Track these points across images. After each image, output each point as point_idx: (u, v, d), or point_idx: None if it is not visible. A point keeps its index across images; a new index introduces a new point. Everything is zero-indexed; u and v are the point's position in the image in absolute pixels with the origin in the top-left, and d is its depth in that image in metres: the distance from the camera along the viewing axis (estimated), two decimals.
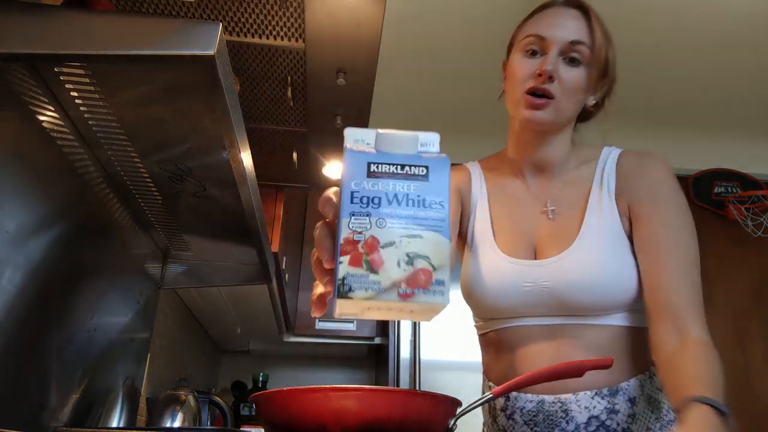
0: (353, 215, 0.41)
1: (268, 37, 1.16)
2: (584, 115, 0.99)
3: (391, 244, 0.40)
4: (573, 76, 0.88)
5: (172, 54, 0.68)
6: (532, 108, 0.87)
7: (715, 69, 3.36)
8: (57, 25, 0.69)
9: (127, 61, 0.68)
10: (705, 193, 3.11)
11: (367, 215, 0.41)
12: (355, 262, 0.40)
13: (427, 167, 0.43)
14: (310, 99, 1.36)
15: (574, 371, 0.77)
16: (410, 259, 0.40)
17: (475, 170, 1.05)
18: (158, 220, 1.34)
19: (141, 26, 0.70)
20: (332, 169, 1.68)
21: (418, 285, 0.40)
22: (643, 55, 3.25)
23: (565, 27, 0.89)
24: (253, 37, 1.16)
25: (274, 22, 1.12)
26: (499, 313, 0.94)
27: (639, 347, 0.89)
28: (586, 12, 0.91)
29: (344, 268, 0.40)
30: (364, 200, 0.41)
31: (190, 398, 1.46)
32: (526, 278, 0.91)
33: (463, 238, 1.04)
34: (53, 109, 0.90)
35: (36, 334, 0.93)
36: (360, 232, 0.40)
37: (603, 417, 0.85)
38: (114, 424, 1.25)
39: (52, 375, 1.00)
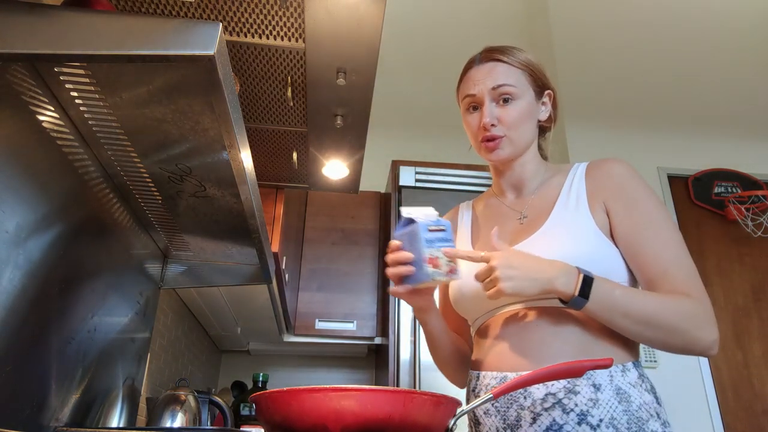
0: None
1: (268, 37, 1.16)
2: (542, 129, 1.12)
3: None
4: (509, 112, 1.03)
5: (172, 54, 0.68)
6: (490, 150, 1.04)
7: (715, 70, 3.36)
8: (57, 25, 0.69)
9: (127, 61, 0.68)
10: (705, 193, 3.11)
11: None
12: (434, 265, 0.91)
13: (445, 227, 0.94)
14: (310, 99, 1.36)
15: (573, 372, 0.77)
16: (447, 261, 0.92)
17: (465, 208, 1.20)
18: (158, 220, 1.34)
19: (141, 26, 0.70)
20: (332, 168, 1.68)
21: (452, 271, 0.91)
22: (644, 57, 3.26)
23: (485, 79, 1.04)
24: (253, 37, 1.16)
25: (274, 22, 1.12)
26: (479, 306, 1.02)
27: (613, 340, 0.92)
28: (498, 60, 1.05)
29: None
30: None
31: (190, 398, 1.46)
32: None
33: None
34: (53, 109, 0.90)
35: (36, 334, 0.93)
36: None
37: (560, 395, 0.88)
38: (114, 424, 1.25)
39: (52, 375, 1.00)
